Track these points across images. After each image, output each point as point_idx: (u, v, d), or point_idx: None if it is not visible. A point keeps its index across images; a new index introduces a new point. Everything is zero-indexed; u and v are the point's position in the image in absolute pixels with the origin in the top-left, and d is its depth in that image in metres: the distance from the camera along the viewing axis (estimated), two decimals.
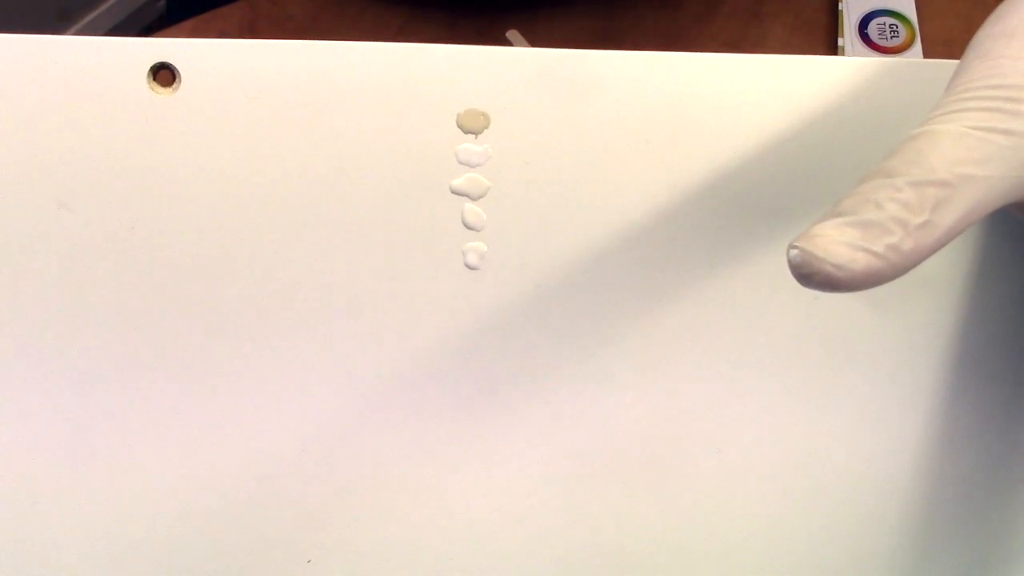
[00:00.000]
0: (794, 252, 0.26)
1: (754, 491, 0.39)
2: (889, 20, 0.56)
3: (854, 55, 0.55)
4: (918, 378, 0.39)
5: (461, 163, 0.37)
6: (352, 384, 0.37)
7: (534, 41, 0.56)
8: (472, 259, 0.37)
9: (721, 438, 0.39)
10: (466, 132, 0.37)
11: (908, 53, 0.55)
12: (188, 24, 0.60)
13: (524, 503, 0.39)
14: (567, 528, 0.39)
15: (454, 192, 0.37)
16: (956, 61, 0.31)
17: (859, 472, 0.39)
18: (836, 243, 0.26)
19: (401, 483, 0.38)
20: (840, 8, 0.57)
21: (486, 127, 0.37)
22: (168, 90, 0.36)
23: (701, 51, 0.37)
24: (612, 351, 0.38)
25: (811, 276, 0.26)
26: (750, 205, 0.37)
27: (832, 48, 0.56)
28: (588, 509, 0.39)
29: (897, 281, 0.37)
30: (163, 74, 0.36)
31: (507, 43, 0.56)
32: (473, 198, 0.37)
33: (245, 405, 0.37)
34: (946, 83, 0.30)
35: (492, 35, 0.57)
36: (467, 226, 0.37)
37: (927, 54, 0.55)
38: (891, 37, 0.56)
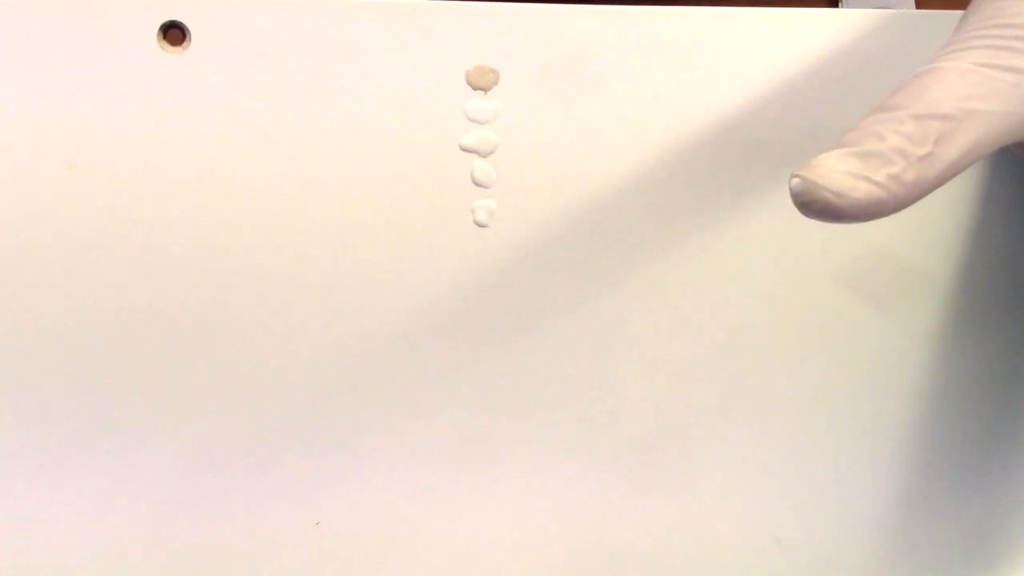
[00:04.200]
0: (795, 181, 0.27)
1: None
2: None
3: None
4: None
5: (471, 120, 0.38)
6: (360, 343, 0.39)
7: None
8: (481, 216, 0.38)
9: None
10: (475, 88, 0.38)
11: None
12: None
13: (530, 461, 0.40)
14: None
15: (463, 149, 0.38)
16: (959, 12, 0.32)
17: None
18: (837, 171, 0.27)
19: (408, 446, 0.39)
20: (840, 6, 0.58)
21: (495, 83, 0.38)
22: (178, 48, 0.38)
23: None
24: (620, 310, 0.39)
25: (811, 204, 0.27)
26: (760, 159, 0.38)
27: None
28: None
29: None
30: (173, 33, 0.38)
31: None
32: (482, 155, 0.38)
33: (253, 364, 0.39)
34: (948, 34, 0.32)
35: None
36: (476, 183, 0.38)
37: None
38: None
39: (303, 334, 0.39)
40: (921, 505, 0.40)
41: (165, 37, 0.38)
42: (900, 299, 0.39)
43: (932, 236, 0.39)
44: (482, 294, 0.39)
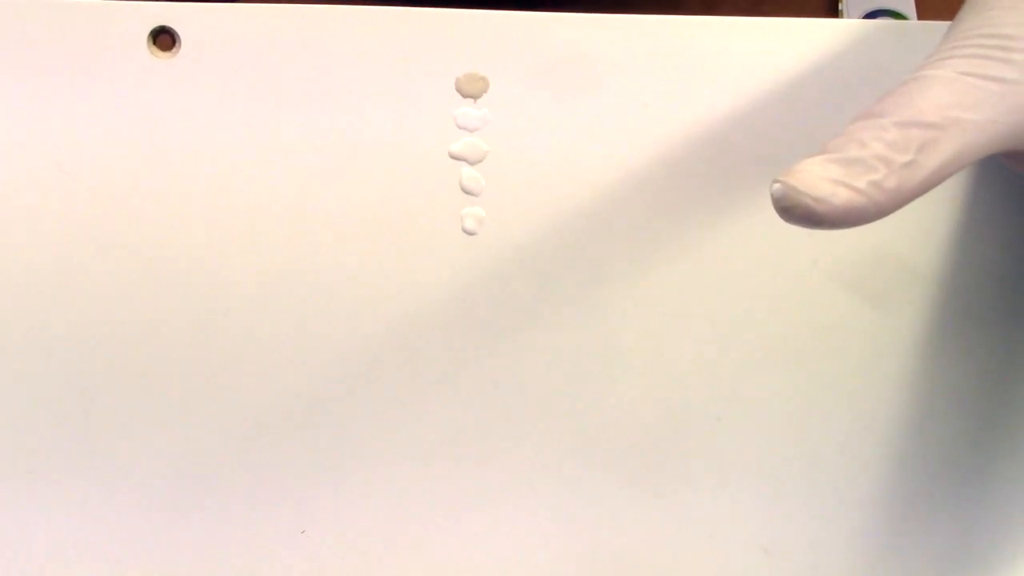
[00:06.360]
0: (776, 186, 0.28)
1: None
2: (889, 19, 0.58)
3: None
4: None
5: (460, 127, 0.39)
6: (348, 350, 0.39)
7: None
8: (470, 224, 0.39)
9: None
10: (465, 96, 0.39)
11: None
12: None
13: (517, 469, 0.40)
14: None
15: (452, 157, 0.39)
16: (951, 22, 0.33)
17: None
18: (818, 177, 0.28)
19: (397, 454, 0.40)
20: (840, 7, 0.59)
21: (485, 91, 0.39)
22: (168, 54, 0.38)
23: None
24: (610, 317, 0.39)
25: (791, 209, 0.28)
26: (752, 168, 0.39)
27: None
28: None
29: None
30: (163, 38, 0.38)
31: None
32: (471, 163, 0.39)
33: (241, 372, 0.39)
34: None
35: None
36: (465, 191, 0.39)
37: None
38: None
39: (291, 341, 0.39)
40: (912, 514, 0.41)
41: (155, 42, 0.38)
42: (896, 301, 0.40)
43: (928, 239, 0.40)
44: (471, 302, 0.39)
